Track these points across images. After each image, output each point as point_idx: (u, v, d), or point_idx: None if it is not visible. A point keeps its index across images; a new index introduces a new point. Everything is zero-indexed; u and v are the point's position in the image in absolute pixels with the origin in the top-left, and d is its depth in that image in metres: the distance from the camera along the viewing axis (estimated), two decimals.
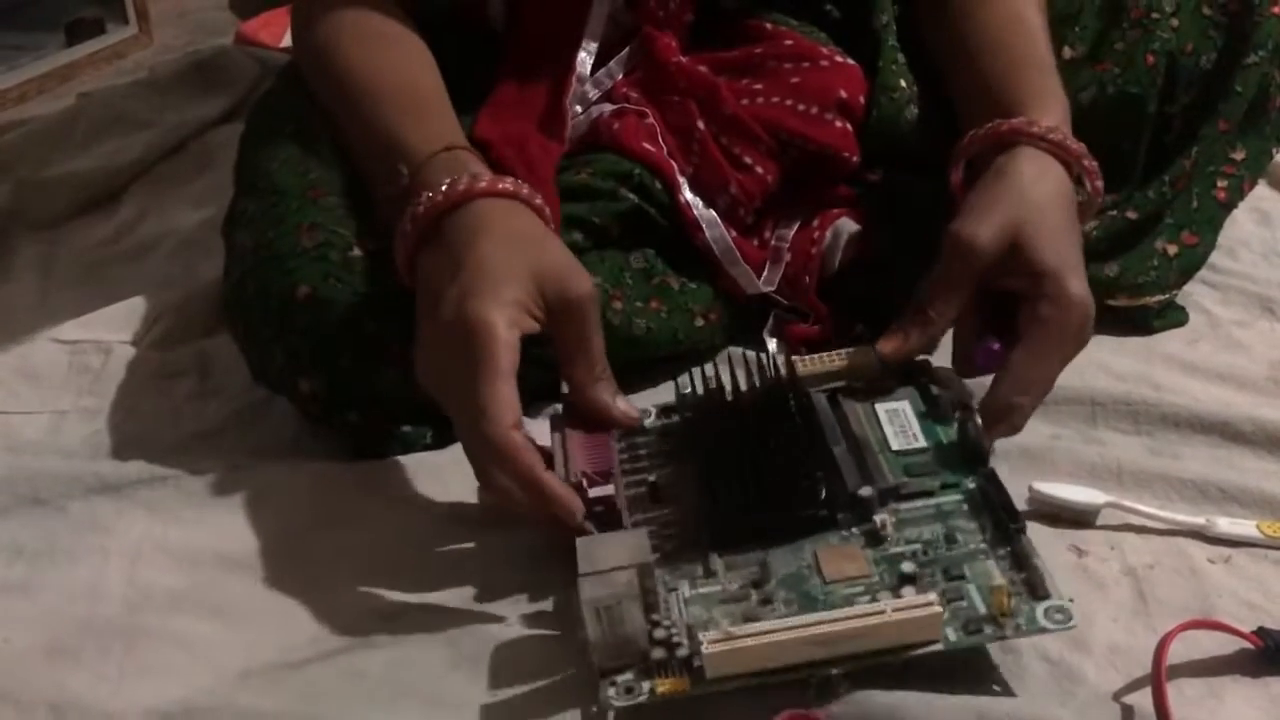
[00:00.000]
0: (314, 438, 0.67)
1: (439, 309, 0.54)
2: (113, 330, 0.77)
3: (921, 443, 0.58)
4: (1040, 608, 0.49)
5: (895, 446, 0.58)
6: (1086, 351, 0.71)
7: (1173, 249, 0.74)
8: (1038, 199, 0.60)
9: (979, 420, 0.57)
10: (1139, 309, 0.74)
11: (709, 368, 0.61)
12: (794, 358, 0.61)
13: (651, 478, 0.59)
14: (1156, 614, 0.53)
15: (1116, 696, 0.49)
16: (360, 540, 0.60)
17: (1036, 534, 0.57)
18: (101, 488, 0.63)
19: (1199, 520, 0.58)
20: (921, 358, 0.62)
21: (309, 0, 0.72)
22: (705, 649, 0.48)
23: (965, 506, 0.55)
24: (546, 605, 0.55)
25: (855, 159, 0.73)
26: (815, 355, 0.62)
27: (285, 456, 0.65)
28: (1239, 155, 0.75)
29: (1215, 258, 0.79)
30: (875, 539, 0.54)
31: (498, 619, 0.54)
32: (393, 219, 0.59)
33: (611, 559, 0.51)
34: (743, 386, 0.60)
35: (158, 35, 1.37)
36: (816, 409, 0.59)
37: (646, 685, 0.49)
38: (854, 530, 0.54)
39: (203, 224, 0.90)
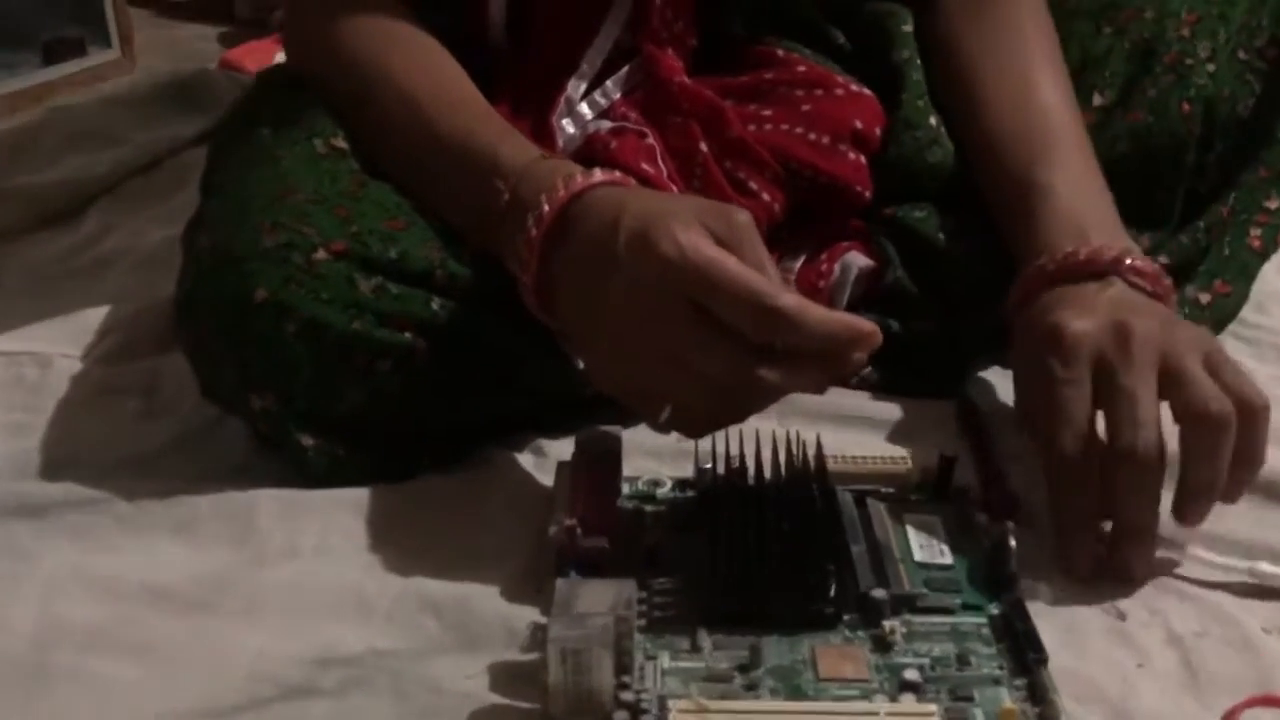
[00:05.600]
0: (266, 464, 0.60)
1: (614, 270, 0.50)
2: (55, 343, 0.70)
3: (947, 560, 0.53)
4: None
5: (919, 558, 0.53)
6: None
7: (1205, 297, 0.69)
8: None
9: (1012, 544, 0.51)
10: None
11: (734, 445, 0.57)
12: (826, 453, 0.57)
13: (652, 543, 0.54)
14: (1208, 688, 0.47)
15: None
16: (308, 576, 0.53)
17: (1068, 594, 0.52)
18: (21, 510, 0.56)
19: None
20: (961, 484, 0.58)
21: (316, 3, 0.68)
22: (673, 717, 0.42)
23: (985, 630, 0.50)
24: (516, 656, 0.49)
25: (868, 194, 0.68)
26: (849, 455, 0.59)
27: (233, 482, 0.59)
28: (1274, 204, 0.71)
29: (1245, 312, 0.74)
30: (881, 645, 0.49)
31: (459, 670, 0.48)
32: (491, 235, 0.56)
33: (589, 604, 0.46)
34: (767, 468, 0.56)
35: (141, 61, 1.33)
36: (840, 505, 0.55)
37: None
38: (859, 633, 0.49)
39: (168, 241, 0.83)
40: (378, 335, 0.56)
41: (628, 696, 0.45)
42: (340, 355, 0.56)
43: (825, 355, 0.49)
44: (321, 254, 0.56)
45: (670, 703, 0.43)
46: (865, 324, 0.49)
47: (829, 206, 0.68)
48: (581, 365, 0.58)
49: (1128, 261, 0.57)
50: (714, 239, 0.50)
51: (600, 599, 0.46)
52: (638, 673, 0.47)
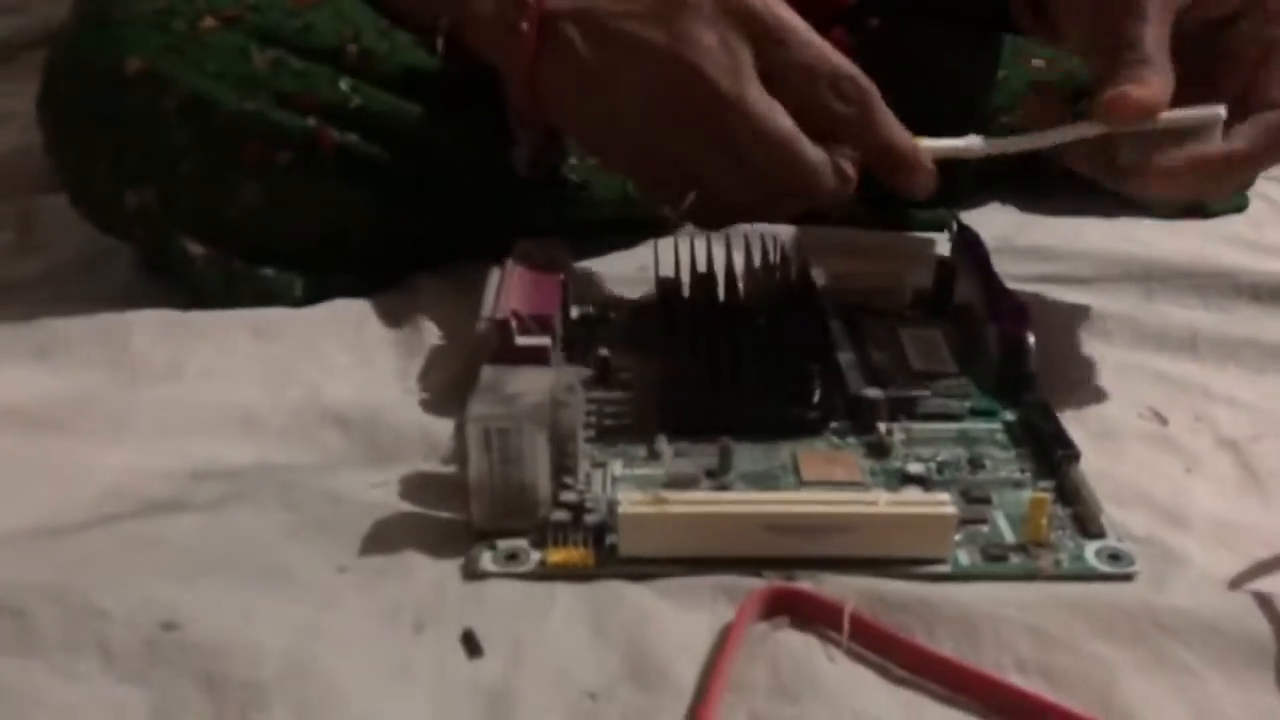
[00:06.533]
0: (151, 290, 0.51)
1: (669, 19, 0.42)
2: None
3: (951, 368, 0.45)
4: (1091, 546, 0.36)
5: (917, 367, 0.45)
6: (1133, 227, 0.60)
7: None
8: None
9: (1030, 340, 0.43)
10: None
11: (700, 249, 0.49)
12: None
13: (604, 352, 0.46)
14: (1272, 488, 0.39)
15: (1237, 580, 0.35)
16: (188, 395, 0.44)
17: (1098, 401, 0.44)
18: None
19: None
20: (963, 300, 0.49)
21: None
22: (623, 509, 0.34)
23: (1000, 436, 0.41)
24: (435, 468, 0.40)
25: None
26: (832, 271, 0.51)
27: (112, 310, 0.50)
28: None
29: None
30: (877, 451, 0.40)
31: (364, 481, 0.39)
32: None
33: (520, 388, 0.37)
34: (739, 274, 0.48)
35: None
36: (824, 311, 0.47)
37: (536, 555, 0.35)
38: (850, 440, 0.41)
39: None
40: (274, 117, 0.47)
41: (569, 495, 0.36)
42: (230, 140, 0.47)
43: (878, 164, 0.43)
44: (209, 21, 0.47)
45: (621, 494, 0.35)
46: (928, 164, 0.44)
47: (805, 11, 0.60)
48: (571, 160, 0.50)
49: None
50: None
51: (535, 384, 0.37)
52: (583, 479, 0.38)
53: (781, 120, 0.42)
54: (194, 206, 0.48)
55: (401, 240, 0.52)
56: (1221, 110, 0.41)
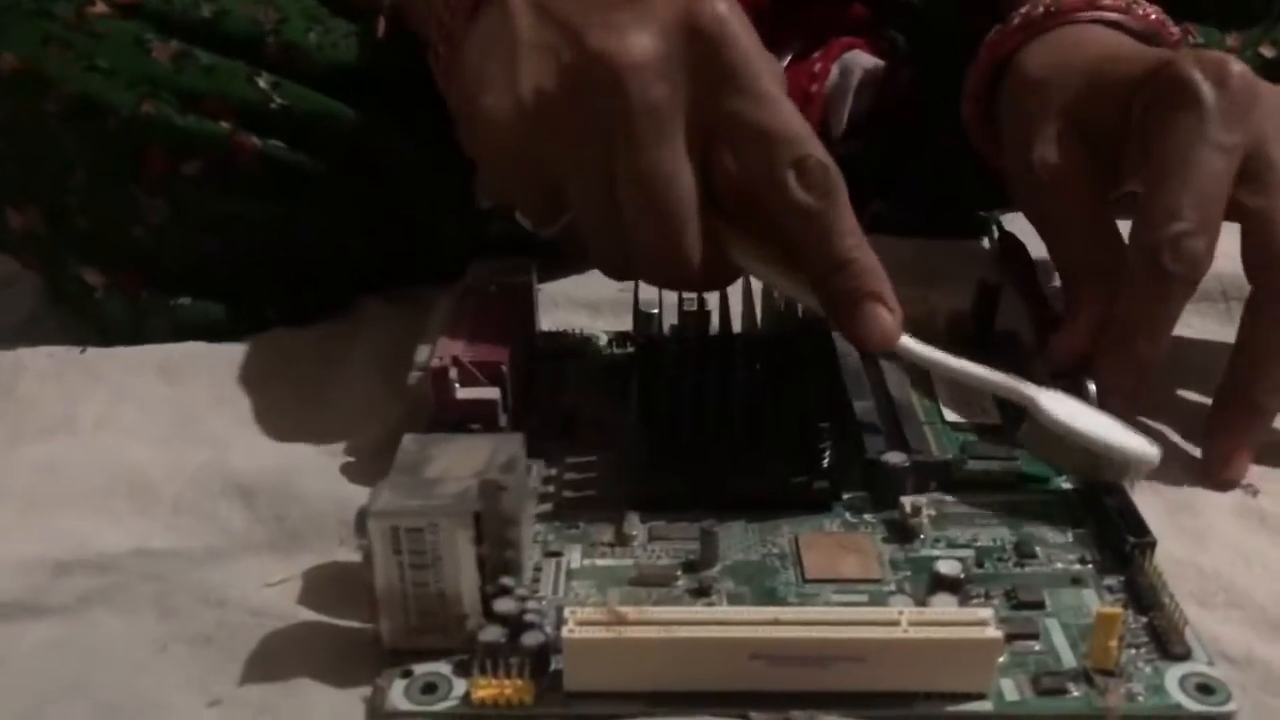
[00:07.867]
0: (53, 325, 0.44)
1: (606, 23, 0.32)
2: None
3: (994, 419, 0.37)
4: (1174, 672, 0.28)
5: (952, 417, 0.37)
6: None
7: None
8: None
9: (1092, 388, 0.35)
10: None
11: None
12: None
13: (571, 406, 0.38)
14: None
15: None
16: (74, 456, 0.37)
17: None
18: None
19: None
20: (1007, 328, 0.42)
21: None
22: (568, 632, 0.26)
23: (1054, 512, 0.33)
24: (349, 556, 0.33)
25: None
26: None
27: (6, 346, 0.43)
28: None
29: None
30: (901, 533, 0.32)
31: (261, 577, 0.32)
32: None
33: (448, 466, 0.30)
34: (736, 313, 0.40)
35: None
36: (838, 355, 0.39)
37: (461, 685, 0.27)
38: (866, 517, 0.33)
39: None
40: (180, 123, 0.40)
41: (506, 606, 0.28)
42: (127, 149, 0.39)
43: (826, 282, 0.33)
44: (100, 7, 0.40)
45: (568, 612, 0.27)
46: (891, 300, 0.33)
47: None
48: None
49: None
50: None
51: (466, 460, 0.30)
52: (530, 575, 0.31)
53: (680, 190, 0.33)
54: (88, 228, 0.41)
55: (341, 261, 0.44)
56: (1156, 454, 0.32)
